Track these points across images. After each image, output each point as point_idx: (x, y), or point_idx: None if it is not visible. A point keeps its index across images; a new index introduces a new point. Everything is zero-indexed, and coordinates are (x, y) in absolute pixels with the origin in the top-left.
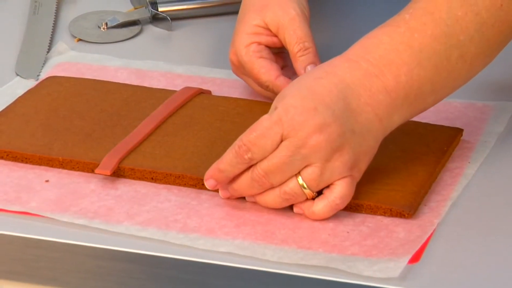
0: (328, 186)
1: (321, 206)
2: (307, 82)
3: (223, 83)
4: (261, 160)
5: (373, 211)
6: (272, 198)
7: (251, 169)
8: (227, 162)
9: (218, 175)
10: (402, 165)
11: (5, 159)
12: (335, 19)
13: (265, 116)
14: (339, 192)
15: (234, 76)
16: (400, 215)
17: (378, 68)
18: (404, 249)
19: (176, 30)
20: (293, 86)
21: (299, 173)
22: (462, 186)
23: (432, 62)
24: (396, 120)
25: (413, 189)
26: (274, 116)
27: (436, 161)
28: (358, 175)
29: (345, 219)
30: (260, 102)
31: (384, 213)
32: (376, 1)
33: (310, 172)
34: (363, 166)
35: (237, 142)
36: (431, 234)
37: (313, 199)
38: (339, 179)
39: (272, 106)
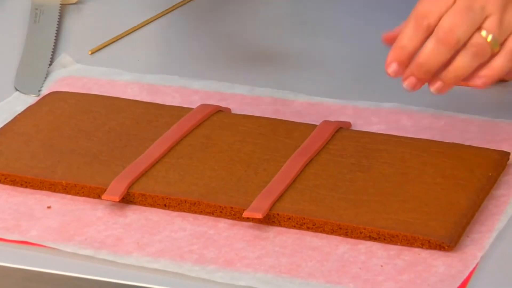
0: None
1: (499, 59)
2: None
3: (243, 100)
4: (440, 20)
5: (410, 242)
6: (461, 60)
7: (434, 33)
8: (406, 37)
9: (400, 54)
10: (442, 192)
11: (3, 183)
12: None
13: None
14: None
15: (256, 92)
16: (440, 247)
17: None
18: (443, 285)
19: (192, 41)
20: None
21: (480, 27)
22: (508, 215)
23: None
24: None
25: (454, 218)
26: None
27: (480, 188)
28: None
29: (379, 251)
30: (285, 121)
31: (421, 245)
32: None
33: (490, 21)
34: None
35: (411, 16)
36: (474, 268)
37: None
38: None
39: None
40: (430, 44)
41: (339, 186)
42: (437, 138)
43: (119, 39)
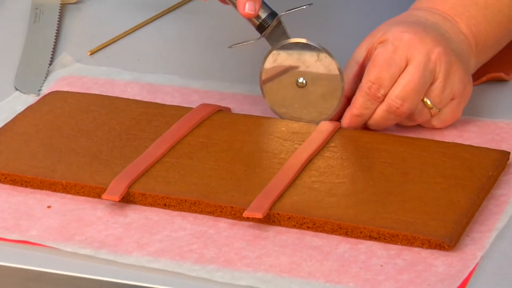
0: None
1: (436, 121)
2: (398, 20)
3: (244, 100)
4: (392, 89)
5: (410, 242)
6: (403, 122)
7: (384, 102)
8: (361, 106)
9: (356, 121)
10: (442, 192)
11: (3, 182)
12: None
13: (378, 51)
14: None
15: (256, 92)
16: (440, 247)
17: (450, 17)
18: (443, 285)
19: (192, 40)
20: (388, 24)
21: (426, 93)
22: (509, 215)
23: (496, 19)
24: (472, 66)
25: (454, 218)
26: (390, 46)
27: (480, 188)
28: (466, 99)
29: (379, 251)
30: (285, 121)
31: (421, 245)
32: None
33: (434, 89)
34: (470, 90)
35: (364, 84)
36: (474, 268)
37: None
38: (451, 100)
39: (375, 43)
40: (381, 113)
41: (339, 186)
42: (437, 138)
43: (119, 39)
